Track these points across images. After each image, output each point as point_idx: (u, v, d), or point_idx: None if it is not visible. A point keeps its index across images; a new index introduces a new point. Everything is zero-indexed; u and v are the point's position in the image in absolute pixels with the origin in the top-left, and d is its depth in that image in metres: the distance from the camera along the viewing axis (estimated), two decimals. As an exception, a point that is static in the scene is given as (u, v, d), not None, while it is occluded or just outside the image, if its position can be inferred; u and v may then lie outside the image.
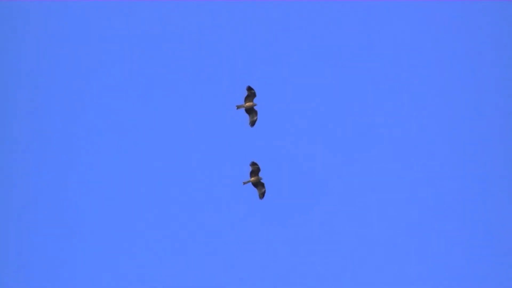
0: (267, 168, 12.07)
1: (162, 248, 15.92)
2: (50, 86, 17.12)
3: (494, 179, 16.55)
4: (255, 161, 11.30)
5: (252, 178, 11.09)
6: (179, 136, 16.39)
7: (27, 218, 16.13)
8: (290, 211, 15.41)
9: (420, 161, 16.76)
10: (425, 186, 16.60)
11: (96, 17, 17.35)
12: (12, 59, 17.03)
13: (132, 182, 16.43)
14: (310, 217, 15.75)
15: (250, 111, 12.31)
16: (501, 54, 16.97)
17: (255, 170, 11.34)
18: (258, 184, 11.55)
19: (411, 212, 16.36)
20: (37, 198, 16.30)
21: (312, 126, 16.42)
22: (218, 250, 15.72)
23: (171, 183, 16.23)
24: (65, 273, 15.73)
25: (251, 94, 12.21)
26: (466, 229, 16.24)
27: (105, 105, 17.08)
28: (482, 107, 16.91)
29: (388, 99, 17.05)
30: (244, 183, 10.84)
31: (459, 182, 16.57)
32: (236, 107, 12.34)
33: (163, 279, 15.67)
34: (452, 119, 16.93)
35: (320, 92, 16.78)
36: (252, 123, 12.24)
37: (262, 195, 11.23)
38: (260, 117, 12.26)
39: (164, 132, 16.60)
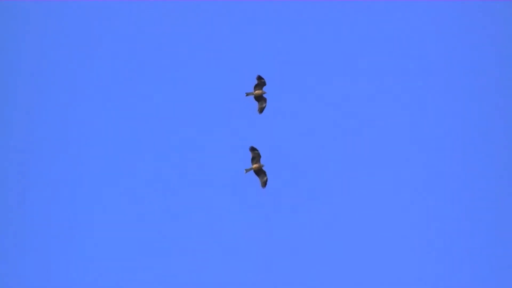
0: (272, 156, 12.08)
1: (162, 237, 15.81)
2: (48, 86, 17.07)
3: (495, 179, 16.62)
4: (254, 146, 11.10)
5: (254, 165, 10.87)
6: (185, 122, 16.41)
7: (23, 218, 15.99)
8: (294, 201, 15.37)
9: (422, 160, 16.82)
10: (426, 185, 16.65)
11: (96, 17, 17.39)
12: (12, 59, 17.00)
13: (134, 168, 16.40)
14: (315, 207, 15.71)
15: (259, 98, 12.50)
16: (501, 54, 17.14)
17: (255, 156, 11.13)
18: (260, 172, 11.35)
19: (412, 210, 16.39)
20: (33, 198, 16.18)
21: (319, 117, 16.49)
22: (220, 241, 15.63)
23: (177, 169, 16.21)
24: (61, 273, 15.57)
25: (260, 83, 12.43)
26: (467, 230, 16.26)
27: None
28: (483, 107, 17.03)
29: (394, 94, 17.16)
30: (247, 170, 10.61)
31: (461, 184, 16.62)
32: (245, 94, 12.56)
33: (164, 270, 15.55)
34: (453, 121, 17.03)
35: (327, 87, 16.89)
36: (261, 110, 12.41)
37: (264, 184, 11.04)
38: (268, 105, 12.41)
39: (172, 118, 16.62)
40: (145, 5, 17.32)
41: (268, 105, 12.50)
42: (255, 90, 12.46)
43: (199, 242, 15.70)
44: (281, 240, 15.60)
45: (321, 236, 15.75)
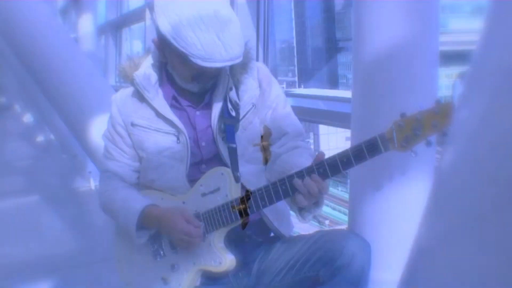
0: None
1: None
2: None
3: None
4: (244, 184, 10.24)
5: (241, 206, 10.36)
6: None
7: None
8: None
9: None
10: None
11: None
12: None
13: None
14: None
15: None
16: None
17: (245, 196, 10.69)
18: (245, 214, 10.81)
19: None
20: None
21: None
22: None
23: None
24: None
25: None
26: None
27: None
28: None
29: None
30: (233, 208, 9.22)
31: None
32: None
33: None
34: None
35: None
36: None
37: (244, 226, 9.71)
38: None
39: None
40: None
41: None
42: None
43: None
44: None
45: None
